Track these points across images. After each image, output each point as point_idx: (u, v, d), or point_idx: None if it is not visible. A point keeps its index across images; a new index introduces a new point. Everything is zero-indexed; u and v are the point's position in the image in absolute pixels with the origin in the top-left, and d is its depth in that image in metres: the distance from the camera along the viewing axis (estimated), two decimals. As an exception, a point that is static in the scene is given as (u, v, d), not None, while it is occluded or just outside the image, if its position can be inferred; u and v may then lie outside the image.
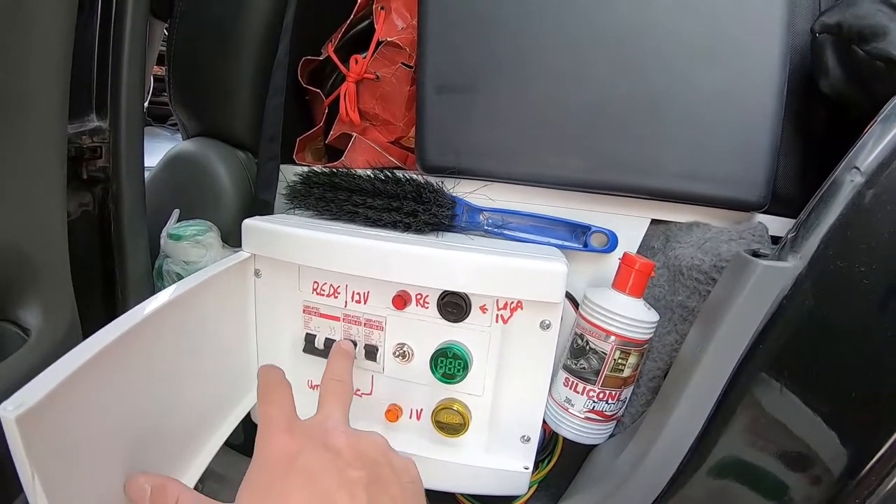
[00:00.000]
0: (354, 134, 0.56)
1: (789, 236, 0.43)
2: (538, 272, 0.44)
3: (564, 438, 0.55)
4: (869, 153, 0.41)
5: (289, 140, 0.58)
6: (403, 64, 0.55)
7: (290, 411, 0.35)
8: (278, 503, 0.29)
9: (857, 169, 0.42)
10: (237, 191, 0.58)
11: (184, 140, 0.62)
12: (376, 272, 0.46)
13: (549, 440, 0.56)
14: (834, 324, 0.40)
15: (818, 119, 0.55)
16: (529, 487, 0.55)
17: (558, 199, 0.52)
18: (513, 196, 0.53)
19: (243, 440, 0.59)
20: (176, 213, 0.56)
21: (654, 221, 0.53)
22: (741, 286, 0.42)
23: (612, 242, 0.51)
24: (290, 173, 0.56)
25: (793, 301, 0.41)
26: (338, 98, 0.57)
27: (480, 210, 0.52)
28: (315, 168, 0.52)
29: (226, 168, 0.57)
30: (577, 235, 0.52)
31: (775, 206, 0.52)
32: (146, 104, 0.85)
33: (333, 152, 0.60)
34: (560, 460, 0.55)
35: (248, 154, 0.59)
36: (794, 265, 0.41)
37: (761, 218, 0.53)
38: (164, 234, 0.56)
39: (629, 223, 0.53)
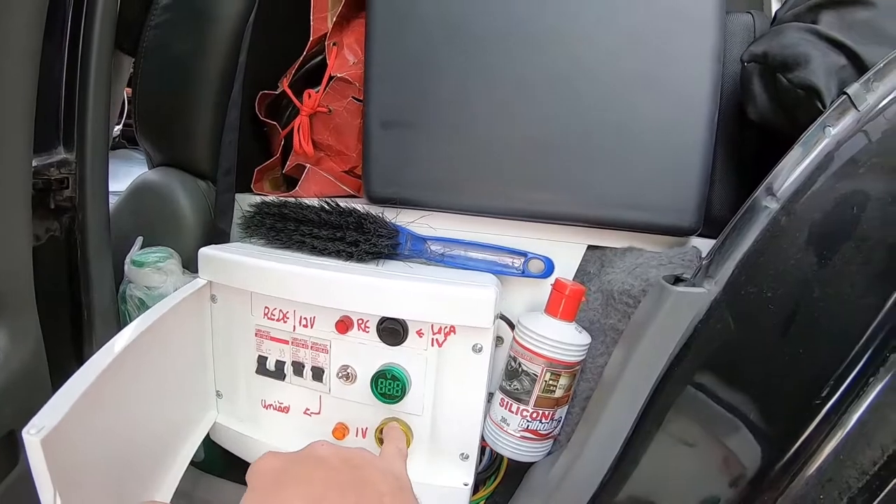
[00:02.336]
0: (308, 165, 0.58)
1: (703, 263, 0.45)
2: (468, 299, 0.46)
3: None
4: (785, 178, 0.43)
5: (247, 170, 0.60)
6: (354, 98, 0.57)
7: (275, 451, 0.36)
8: None
9: (773, 195, 0.43)
10: (198, 219, 0.59)
11: (149, 169, 0.64)
12: (320, 299, 0.48)
13: (494, 459, 0.57)
14: (743, 346, 0.41)
15: (750, 145, 0.56)
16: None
17: (498, 227, 0.54)
18: (455, 225, 0.54)
19: (204, 458, 0.60)
20: (139, 240, 0.58)
21: (590, 247, 0.54)
22: (657, 311, 0.43)
23: (548, 268, 0.53)
24: (246, 203, 0.58)
25: (706, 325, 0.42)
26: (293, 130, 0.59)
27: (423, 239, 0.54)
28: (267, 199, 0.54)
29: (187, 197, 0.59)
30: (516, 262, 0.53)
31: (709, 229, 0.54)
32: (119, 126, 0.88)
33: (291, 181, 0.62)
34: (505, 478, 0.56)
35: (208, 183, 0.61)
36: (708, 290, 0.43)
37: (696, 242, 0.54)
38: (127, 260, 0.57)
39: (566, 249, 0.54)
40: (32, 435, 0.29)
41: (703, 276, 0.45)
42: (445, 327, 0.47)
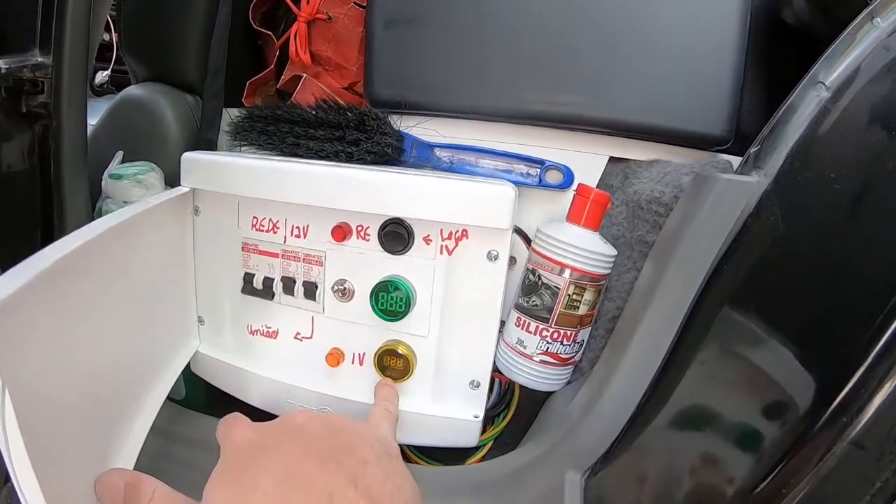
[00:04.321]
0: (304, 75, 0.50)
1: (752, 151, 0.37)
2: (484, 196, 0.38)
3: (521, 390, 0.48)
4: (833, 68, 0.36)
5: (239, 84, 0.52)
6: (356, 3, 0.50)
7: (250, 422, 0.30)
8: (250, 486, 0.25)
9: (822, 84, 0.36)
10: (183, 134, 0.51)
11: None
12: (316, 199, 0.39)
13: (504, 393, 0.48)
14: (803, 239, 0.33)
15: (783, 54, 0.49)
16: (484, 444, 0.47)
17: (512, 134, 0.46)
18: (465, 132, 0.46)
19: (185, 395, 0.51)
20: (119, 154, 0.50)
21: (612, 160, 0.47)
22: (700, 205, 0.36)
23: (567, 178, 0.45)
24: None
25: (757, 219, 0.35)
26: (289, 40, 0.51)
27: (430, 145, 0.46)
28: (258, 104, 0.46)
29: (173, 111, 0.51)
30: (532, 171, 0.45)
31: (739, 145, 0.46)
32: (108, 73, 0.80)
33: (285, 99, 0.54)
34: (517, 414, 0.48)
35: (196, 98, 0.53)
36: (758, 181, 0.35)
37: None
38: (105, 174, 0.49)
39: (586, 160, 0.46)
40: None
41: (750, 166, 0.37)
42: (457, 231, 0.39)
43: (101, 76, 0.82)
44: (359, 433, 0.29)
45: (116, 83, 0.84)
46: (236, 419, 0.30)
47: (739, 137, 0.47)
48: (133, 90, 0.53)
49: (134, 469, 0.32)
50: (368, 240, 0.41)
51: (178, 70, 0.52)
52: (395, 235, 0.39)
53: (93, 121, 0.56)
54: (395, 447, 0.32)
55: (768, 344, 0.32)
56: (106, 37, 0.83)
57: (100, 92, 0.81)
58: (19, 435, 0.22)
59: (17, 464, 0.22)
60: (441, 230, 0.39)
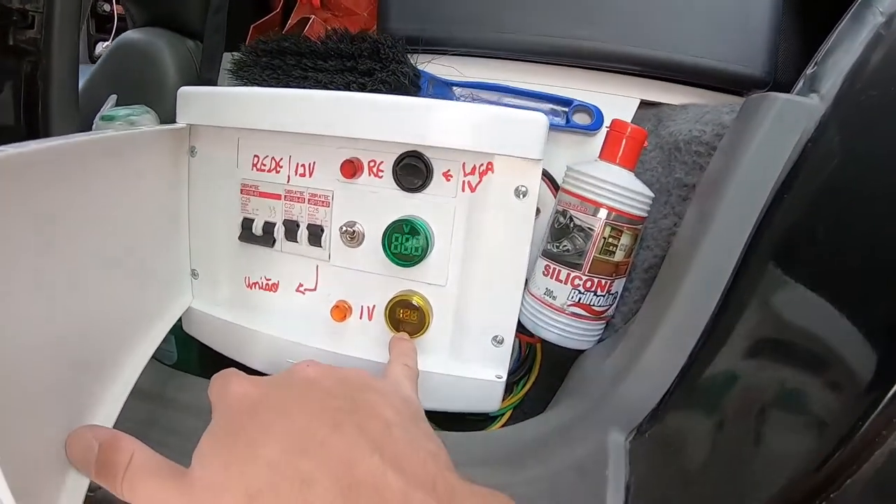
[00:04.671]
0: (312, 16, 0.46)
1: (808, 72, 0.34)
2: (513, 121, 0.33)
3: (542, 355, 0.43)
4: None
5: (242, 28, 0.48)
6: (369, -58, 0.46)
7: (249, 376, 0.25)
8: (249, 453, 0.20)
9: (878, 9, 0.33)
10: (183, 79, 0.47)
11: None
12: (323, 126, 0.35)
13: (524, 358, 0.44)
14: (870, 165, 0.29)
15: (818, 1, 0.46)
16: (502, 413, 0.42)
17: (537, 74, 0.42)
18: (485, 72, 0.42)
19: (177, 359, 0.46)
20: (112, 97, 0.46)
21: (643, 104, 0.43)
22: (756, 128, 0.32)
23: (597, 119, 0.41)
24: (239, 58, 0.46)
25: (819, 144, 0.31)
26: (298, -17, 0.47)
27: (448, 84, 0.42)
28: (262, 37, 0.43)
29: (172, 56, 0.47)
30: (558, 112, 0.41)
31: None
32: (108, 43, 0.77)
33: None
34: (539, 380, 0.43)
35: (196, 43, 0.49)
36: (817, 103, 0.31)
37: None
38: (97, 117, 0.45)
39: (616, 103, 0.42)
40: None
41: (807, 88, 0.33)
42: (481, 164, 0.35)
43: (102, 47, 0.78)
44: (380, 391, 0.25)
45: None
46: (232, 373, 0.25)
47: (777, 87, 0.43)
48: (131, 34, 0.50)
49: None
50: (381, 176, 0.37)
51: (178, 13, 0.49)
52: (412, 169, 0.35)
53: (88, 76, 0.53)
54: (420, 406, 0.27)
55: (836, 290, 0.27)
56: (106, 8, 0.80)
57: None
58: None
59: None
60: (463, 164, 0.35)
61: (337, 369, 0.25)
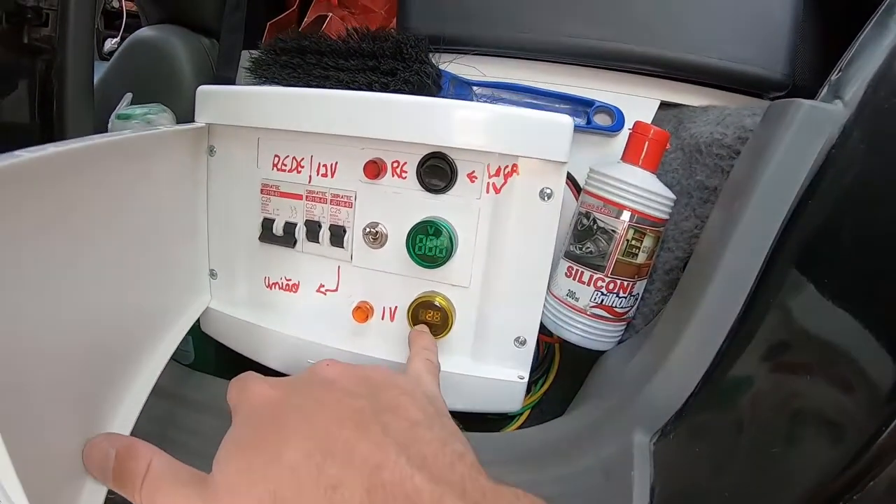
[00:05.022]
0: (330, 14, 0.46)
1: (833, 78, 0.34)
2: (539, 123, 0.33)
3: (561, 355, 0.44)
4: None
5: (259, 26, 0.48)
6: (387, -60, 0.46)
7: (267, 380, 0.25)
8: (272, 457, 0.20)
9: None
10: (198, 78, 0.47)
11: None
12: (345, 127, 0.35)
13: (543, 358, 0.44)
14: (892, 171, 0.29)
15: (837, 3, 0.46)
16: (521, 413, 0.42)
17: (557, 74, 0.42)
18: (505, 72, 0.42)
19: (194, 359, 0.46)
20: (128, 96, 0.45)
21: (663, 105, 0.43)
22: (781, 134, 0.32)
23: (618, 121, 0.41)
24: (256, 55, 0.45)
25: (843, 150, 0.31)
26: (314, -20, 0.47)
27: (469, 83, 0.42)
28: (281, 36, 0.42)
29: (187, 53, 0.47)
30: (579, 113, 0.41)
31: (795, 96, 0.43)
32: (117, 40, 0.76)
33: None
34: (557, 380, 0.43)
35: (212, 41, 0.48)
36: (842, 109, 0.31)
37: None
38: (112, 116, 0.44)
39: (636, 104, 0.42)
40: None
41: (831, 94, 0.33)
42: (506, 166, 0.35)
43: (111, 43, 0.77)
44: (404, 389, 0.24)
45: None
46: (250, 376, 0.24)
47: (796, 90, 0.43)
48: (145, 31, 0.49)
49: (133, 435, 0.27)
50: (405, 177, 0.36)
51: (193, 10, 0.48)
52: (437, 171, 0.35)
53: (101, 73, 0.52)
54: (444, 404, 0.26)
55: (861, 294, 0.27)
56: (116, 4, 0.79)
57: (108, 59, 0.77)
58: None
59: None
60: (488, 165, 0.35)
61: (357, 367, 0.25)
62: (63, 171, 0.23)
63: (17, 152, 0.22)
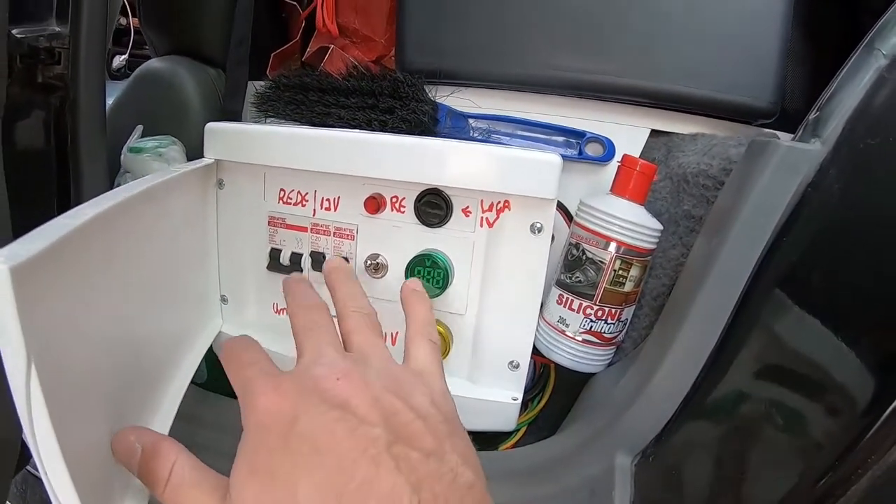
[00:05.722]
0: (332, 46, 0.48)
1: (811, 117, 0.35)
2: (529, 163, 0.35)
3: (556, 374, 0.46)
4: (891, 35, 0.34)
5: (263, 57, 0.50)
6: (385, -28, 0.47)
7: (268, 366, 0.24)
8: (286, 491, 0.20)
9: (880, 51, 0.34)
10: (205, 108, 0.49)
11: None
12: (348, 167, 0.37)
13: (538, 376, 0.46)
14: (867, 211, 0.31)
15: (828, 27, 0.47)
16: (518, 429, 0.45)
17: (549, 105, 0.44)
18: (500, 103, 0.44)
19: (206, 378, 0.49)
20: (139, 128, 0.48)
21: (653, 133, 0.44)
22: (760, 172, 0.33)
23: (608, 151, 0.43)
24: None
25: (818, 188, 0.32)
26: (315, 11, 0.48)
27: (465, 116, 0.43)
28: (285, 72, 0.44)
29: (194, 84, 0.49)
30: (571, 144, 0.43)
31: (784, 122, 0.44)
32: (125, 56, 0.78)
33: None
34: (552, 398, 0.46)
35: (218, 71, 0.50)
36: (818, 149, 0.33)
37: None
38: (124, 149, 0.47)
39: (627, 133, 0.44)
40: None
41: (808, 133, 0.35)
42: (498, 202, 0.37)
43: (119, 60, 0.80)
44: (416, 409, 0.23)
45: (133, 67, 0.82)
46: (256, 377, 0.23)
47: (783, 114, 0.45)
48: (153, 63, 0.51)
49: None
50: (404, 212, 0.39)
51: (199, 42, 0.50)
52: (433, 206, 0.37)
53: (111, 101, 0.54)
54: (453, 404, 0.25)
55: (831, 326, 0.29)
56: (123, 21, 0.81)
57: (117, 76, 0.79)
58: (47, 417, 0.19)
59: (44, 452, 0.19)
60: (482, 201, 0.37)
61: (365, 381, 0.23)
62: (112, 221, 0.26)
63: (82, 209, 0.25)
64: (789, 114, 0.46)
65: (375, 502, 0.19)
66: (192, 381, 0.46)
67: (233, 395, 0.46)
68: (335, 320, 0.29)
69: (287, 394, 0.22)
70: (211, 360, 0.47)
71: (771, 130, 0.43)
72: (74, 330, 0.23)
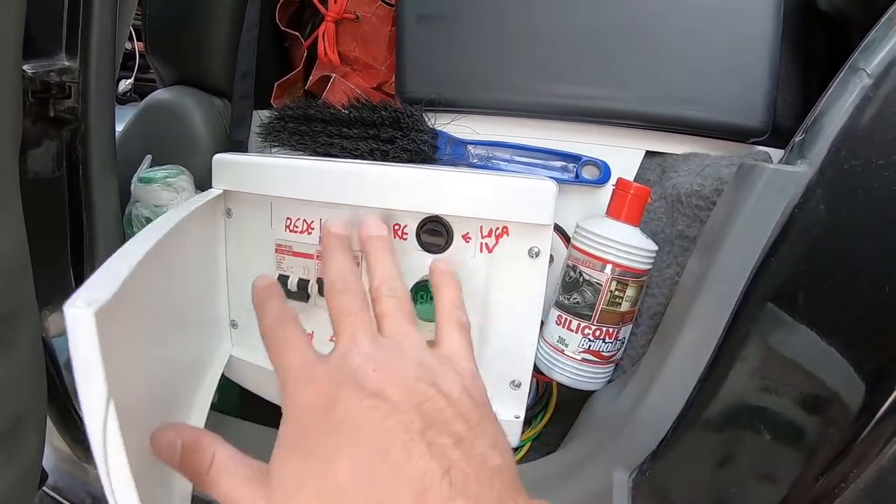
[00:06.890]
0: (333, 75, 0.50)
1: (796, 140, 0.37)
2: (525, 191, 0.37)
3: (559, 391, 0.47)
4: (874, 55, 0.35)
5: (267, 86, 0.52)
6: (384, 2, 0.49)
7: (307, 352, 0.26)
8: (324, 469, 0.21)
9: (864, 71, 0.36)
10: (212, 137, 0.51)
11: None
12: (352, 197, 0.39)
13: (542, 393, 0.48)
14: (851, 229, 0.32)
15: (818, 44, 0.48)
16: (522, 445, 0.47)
17: (547, 130, 0.45)
18: (498, 129, 0.46)
19: (217, 400, 0.51)
20: (148, 158, 0.50)
21: (648, 153, 0.46)
22: (747, 196, 0.35)
23: (604, 173, 0.44)
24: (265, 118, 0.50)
25: (805, 209, 0.34)
26: (317, 41, 0.51)
27: (464, 142, 0.45)
28: (289, 103, 0.46)
29: (201, 114, 0.51)
30: (568, 167, 0.45)
31: (775, 139, 0.45)
32: (131, 80, 0.80)
33: (314, 100, 0.54)
34: (555, 414, 0.47)
35: (224, 101, 0.52)
36: (804, 170, 0.35)
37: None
38: (134, 179, 0.49)
39: (622, 155, 0.45)
40: (81, 308, 0.19)
41: (795, 155, 0.36)
42: (497, 228, 0.39)
43: (125, 84, 0.82)
44: (447, 395, 0.24)
45: (139, 92, 0.84)
46: (292, 345, 0.25)
47: (775, 131, 0.46)
48: (160, 94, 0.53)
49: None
50: (406, 238, 0.40)
51: (205, 73, 0.52)
52: (434, 234, 0.39)
53: (118, 128, 0.57)
54: (483, 389, 0.26)
55: (819, 338, 0.31)
56: (128, 46, 0.83)
57: (123, 100, 0.82)
58: (123, 450, 0.20)
59: (116, 482, 0.21)
60: (481, 227, 0.39)
61: (399, 368, 0.24)
62: (152, 258, 0.28)
63: (127, 249, 0.28)
64: (782, 131, 0.47)
65: (408, 484, 0.21)
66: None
67: (239, 416, 0.48)
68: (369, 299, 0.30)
69: (326, 383, 0.23)
70: (220, 383, 0.49)
71: (763, 148, 0.44)
72: (135, 365, 0.25)
